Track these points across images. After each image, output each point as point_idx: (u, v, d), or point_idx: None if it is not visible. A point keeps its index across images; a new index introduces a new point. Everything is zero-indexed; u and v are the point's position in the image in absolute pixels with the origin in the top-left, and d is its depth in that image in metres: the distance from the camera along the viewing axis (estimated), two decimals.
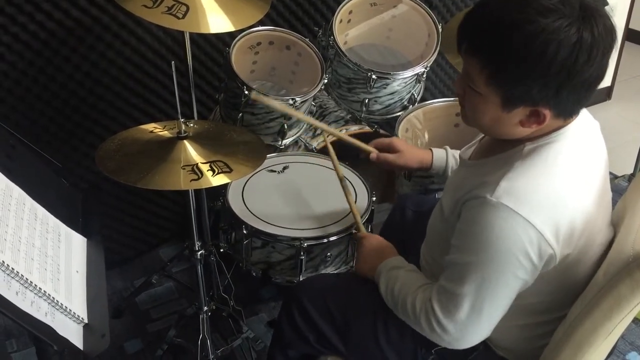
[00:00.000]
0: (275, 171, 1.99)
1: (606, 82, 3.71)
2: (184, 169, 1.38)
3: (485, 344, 1.30)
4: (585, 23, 1.03)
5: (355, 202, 1.85)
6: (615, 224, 1.29)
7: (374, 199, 1.86)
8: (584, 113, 1.22)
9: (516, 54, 1.04)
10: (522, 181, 1.12)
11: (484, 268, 1.13)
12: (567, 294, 1.22)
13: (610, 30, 1.06)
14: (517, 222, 1.09)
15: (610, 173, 2.81)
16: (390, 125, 2.22)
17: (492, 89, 1.10)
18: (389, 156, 1.67)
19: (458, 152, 1.56)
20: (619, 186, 2.83)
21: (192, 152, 1.43)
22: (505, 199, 1.10)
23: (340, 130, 2.16)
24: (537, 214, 1.09)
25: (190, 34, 1.75)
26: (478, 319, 1.18)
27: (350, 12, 2.21)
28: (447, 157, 1.67)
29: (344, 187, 1.69)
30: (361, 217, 1.78)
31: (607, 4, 3.15)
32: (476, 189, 1.14)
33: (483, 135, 1.35)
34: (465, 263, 1.16)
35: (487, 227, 1.11)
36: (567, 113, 1.13)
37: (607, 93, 3.81)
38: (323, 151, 2.10)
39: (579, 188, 1.15)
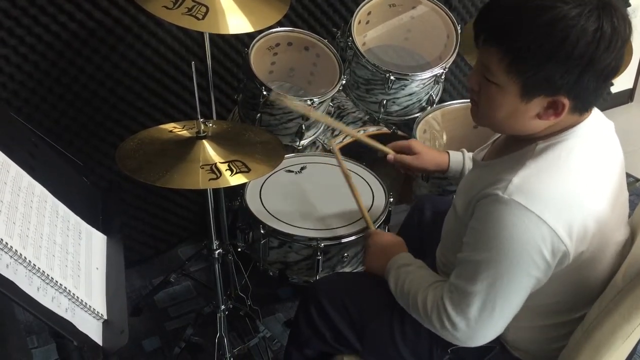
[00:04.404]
0: (293, 171, 1.99)
1: (628, 84, 3.67)
2: (202, 168, 1.39)
3: (501, 344, 1.30)
4: (605, 12, 1.04)
5: (373, 203, 1.85)
6: (635, 227, 1.28)
7: (391, 200, 1.86)
8: (597, 114, 1.22)
9: (538, 40, 1.04)
10: (535, 178, 1.11)
11: (496, 266, 1.13)
12: (582, 294, 1.21)
13: (627, 21, 1.07)
14: (529, 219, 1.08)
15: (632, 176, 2.81)
16: (408, 127, 2.21)
17: (512, 77, 1.09)
18: (406, 158, 1.67)
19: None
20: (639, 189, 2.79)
21: (210, 151, 1.44)
22: (517, 195, 1.09)
23: (358, 132, 2.17)
24: (549, 211, 1.08)
25: (210, 34, 1.76)
26: (490, 317, 1.17)
27: (369, 13, 2.21)
28: (463, 160, 1.66)
29: (350, 185, 1.69)
30: (378, 218, 1.78)
31: (629, 4, 3.13)
32: (489, 187, 1.14)
33: (496, 137, 1.35)
34: (477, 261, 1.16)
35: (500, 225, 1.11)
36: (584, 105, 1.13)
37: (629, 95, 3.76)
38: (341, 152, 2.11)
39: (592, 186, 1.15)
